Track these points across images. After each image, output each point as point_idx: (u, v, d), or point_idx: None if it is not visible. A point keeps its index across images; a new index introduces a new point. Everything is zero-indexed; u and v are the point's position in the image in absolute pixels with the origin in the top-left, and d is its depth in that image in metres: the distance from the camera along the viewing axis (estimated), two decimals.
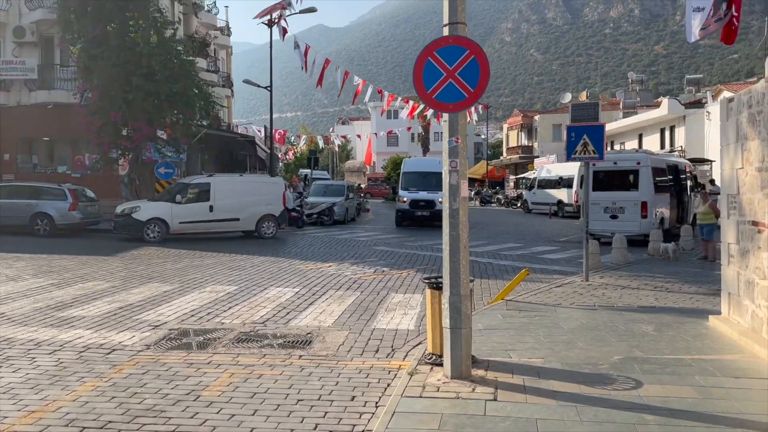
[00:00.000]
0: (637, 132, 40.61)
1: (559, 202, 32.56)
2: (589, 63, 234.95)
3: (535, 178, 37.01)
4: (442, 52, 5.33)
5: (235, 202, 18.83)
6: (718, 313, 7.72)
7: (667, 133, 36.89)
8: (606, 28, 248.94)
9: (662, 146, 37.02)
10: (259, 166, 42.68)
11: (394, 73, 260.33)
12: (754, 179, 6.52)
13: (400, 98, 35.86)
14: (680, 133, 35.47)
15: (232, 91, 44.11)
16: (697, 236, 16.95)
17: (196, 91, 21.01)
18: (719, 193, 23.05)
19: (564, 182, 32.47)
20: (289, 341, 7.23)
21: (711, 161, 29.45)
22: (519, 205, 40.27)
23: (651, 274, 12.21)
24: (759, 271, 6.39)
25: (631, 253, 14.55)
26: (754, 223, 6.52)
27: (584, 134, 10.77)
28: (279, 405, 5.17)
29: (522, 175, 49.46)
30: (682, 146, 34.09)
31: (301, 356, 6.61)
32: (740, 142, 6.91)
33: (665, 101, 36.33)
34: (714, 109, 33.02)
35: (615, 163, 18.22)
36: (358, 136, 62.90)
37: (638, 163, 17.91)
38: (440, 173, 20.20)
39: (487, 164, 59.69)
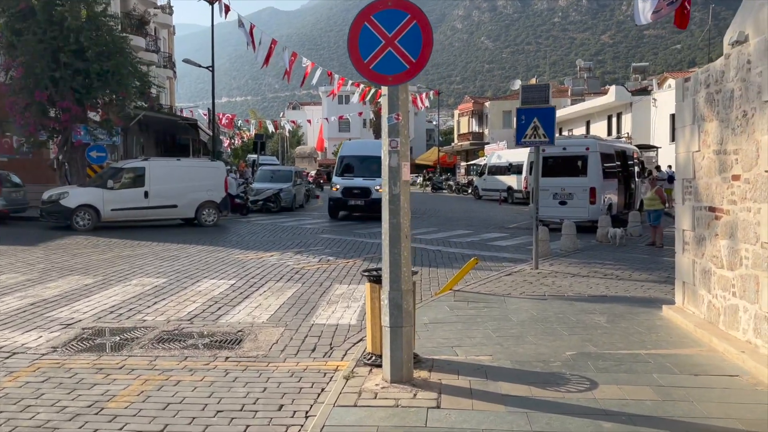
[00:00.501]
0: (585, 119, 41.06)
1: (509, 189, 32.55)
2: (538, 51, 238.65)
3: (485, 165, 36.95)
4: (380, 16, 4.72)
5: (172, 188, 17.81)
6: (672, 302, 7.44)
7: (614, 120, 37.39)
8: (555, 17, 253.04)
9: (609, 132, 37.50)
10: (204, 151, 41.23)
11: (347, 58, 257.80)
12: (712, 163, 6.19)
13: (350, 82, 35.12)
14: (627, 120, 35.97)
15: (174, 72, 42.38)
16: (645, 222, 16.98)
17: (131, 70, 19.74)
18: (665, 180, 23.26)
19: (514, 169, 32.46)
20: (216, 341, 6.55)
21: (657, 147, 29.92)
22: (470, 191, 40.22)
23: (600, 260, 12.00)
24: (716, 259, 6.08)
25: (580, 240, 14.36)
26: (711, 209, 6.20)
27: (535, 117, 10.37)
28: (194, 418, 4.52)
29: (473, 162, 49.51)
30: (628, 133, 34.57)
31: (227, 358, 5.95)
32: (697, 124, 6.57)
33: (612, 88, 36.78)
34: (660, 95, 33.58)
35: (564, 148, 18.05)
36: (308, 121, 61.64)
37: (587, 149, 17.78)
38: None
39: (439, 150, 59.60)
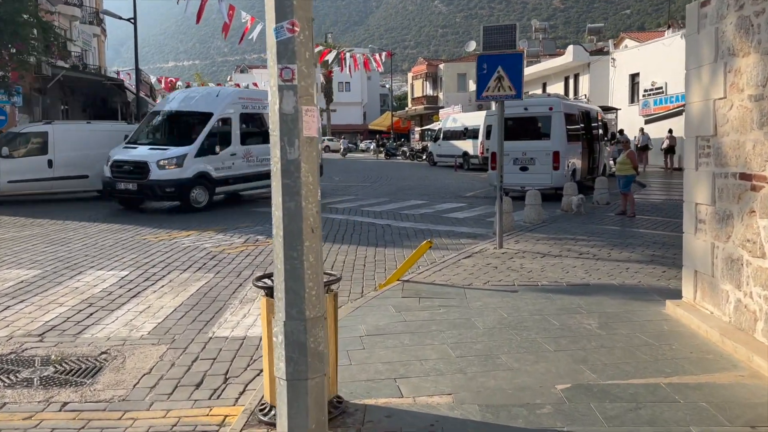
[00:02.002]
0: (541, 81, 39.63)
1: (465, 154, 30.95)
2: (491, 16, 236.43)
3: (440, 129, 35.20)
4: None
5: (81, 156, 15.40)
6: (677, 295, 5.86)
7: (571, 81, 36.07)
8: None
9: (566, 94, 36.17)
10: (137, 116, 38.05)
11: None
12: (747, 113, 4.52)
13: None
14: (584, 81, 34.68)
15: (103, 30, 38.73)
16: (612, 189, 15.62)
17: (28, 18, 16.97)
18: (628, 142, 21.87)
19: (470, 133, 30.81)
20: (63, 372, 4.61)
21: (616, 109, 28.71)
22: (424, 157, 38.49)
23: (571, 235, 10.43)
24: (751, 245, 4.47)
25: (543, 209, 12.79)
26: (745, 177, 4.55)
27: (499, 65, 8.56)
28: None
29: (427, 127, 47.71)
30: (585, 94, 33.30)
31: (65, 405, 4.04)
32: (722, 61, 4.87)
33: (570, 48, 35.34)
34: (619, 55, 32.31)
35: (525, 108, 16.37)
36: (255, 84, 58.28)
37: (550, 109, 16.16)
38: (211, 115, 14.43)
39: (392, 115, 57.53)
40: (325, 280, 3.53)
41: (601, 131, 19.93)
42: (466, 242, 10.11)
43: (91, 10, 34.09)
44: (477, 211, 14.28)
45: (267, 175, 14.97)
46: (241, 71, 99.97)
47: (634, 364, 4.34)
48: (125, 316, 5.99)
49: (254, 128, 16.00)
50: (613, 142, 22.46)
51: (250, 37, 29.68)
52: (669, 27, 31.82)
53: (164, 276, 7.70)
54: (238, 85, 55.93)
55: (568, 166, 16.13)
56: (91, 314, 6.06)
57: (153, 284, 7.30)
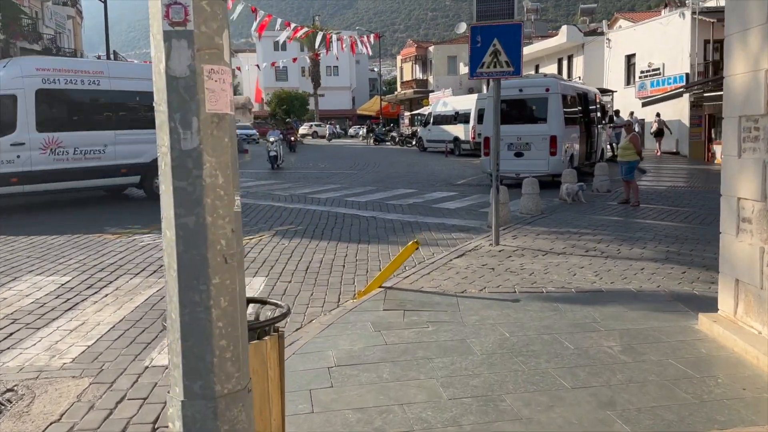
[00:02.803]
0: (534, 63, 38.51)
1: (456, 140, 29.91)
2: None
3: (429, 114, 34.10)
4: None
5: None
6: (709, 306, 4.92)
7: (564, 63, 35.01)
8: None
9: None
10: None
11: (286, 5, 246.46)
12: None
13: (279, 20, 31.29)
14: (578, 63, 33.63)
15: (78, 11, 37.22)
16: (615, 176, 14.70)
17: None
18: (623, 127, 20.94)
19: (461, 117, 29.75)
20: None
21: (612, 91, 27.72)
22: (414, 143, 37.42)
23: (574, 228, 9.49)
24: None
25: (540, 198, 11.83)
26: None
27: (495, 37, 7.53)
28: None
29: (417, 111, 46.59)
30: (580, 77, 32.28)
31: None
32: None
33: (564, 28, 34.21)
34: (615, 36, 31.29)
35: (520, 90, 15.37)
36: (238, 69, 56.72)
37: (547, 90, 15.16)
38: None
39: (381, 100, 56.31)
40: (267, 316, 2.54)
41: (599, 114, 18.97)
42: (459, 237, 9.15)
43: None
44: (469, 201, 13.31)
45: (98, 172, 12.38)
46: None
47: (675, 409, 3.39)
48: (51, 337, 4.98)
49: (73, 110, 12.45)
50: (611, 125, 21.53)
51: (232, 18, 28.53)
52: (666, 6, 30.80)
53: (111, 282, 6.68)
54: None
55: (565, 152, 15.18)
56: (11, 334, 5.05)
57: (96, 293, 6.29)
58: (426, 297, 5.69)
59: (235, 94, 26.21)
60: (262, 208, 12.30)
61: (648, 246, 8.08)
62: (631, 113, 25.67)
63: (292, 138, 32.55)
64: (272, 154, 21.74)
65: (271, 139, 22.56)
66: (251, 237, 9.20)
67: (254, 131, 42.61)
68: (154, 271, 7.14)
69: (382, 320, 5.02)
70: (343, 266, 7.44)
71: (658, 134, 25.22)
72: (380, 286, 6.00)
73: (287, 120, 41.38)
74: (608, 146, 20.69)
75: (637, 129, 25.56)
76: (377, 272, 7.07)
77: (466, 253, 7.64)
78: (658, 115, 25.02)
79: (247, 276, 6.90)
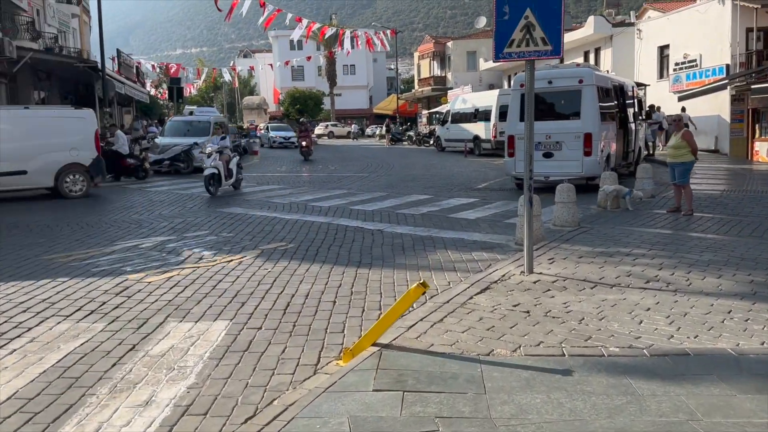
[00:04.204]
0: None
1: (476, 138, 28.14)
2: None
3: (448, 111, 32.34)
4: None
5: (17, 147, 12.86)
6: None
7: (591, 56, 32.94)
8: None
9: None
10: (123, 103, 35.47)
11: (305, 5, 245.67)
12: None
13: (289, 15, 29.85)
14: (606, 56, 31.59)
15: (85, 10, 36.09)
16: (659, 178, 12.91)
17: None
18: (660, 123, 18.96)
19: (481, 115, 27.96)
20: None
21: (645, 85, 25.70)
22: (431, 142, 35.70)
23: (623, 245, 7.73)
24: None
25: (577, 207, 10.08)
26: None
27: (528, 7, 5.83)
28: None
29: (435, 110, 44.82)
30: (608, 70, 30.26)
31: None
32: None
33: (591, 19, 32.17)
34: (646, 26, 29.23)
35: (549, 82, 13.58)
36: (251, 68, 55.47)
37: (580, 81, 13.35)
38: None
39: (398, 98, 54.62)
40: None
41: (636, 109, 17.09)
42: (481, 258, 7.46)
43: None
44: (492, 209, 11.59)
45: None
46: (244, 56, 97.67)
47: None
48: None
49: None
50: (648, 121, 19.61)
51: (239, 11, 27.18)
52: None
53: (31, 328, 5.13)
54: (233, 68, 53.25)
55: (601, 151, 13.36)
56: None
57: (3, 346, 4.74)
58: (437, 363, 4.02)
59: (251, 94, 24.53)
60: (253, 219, 10.71)
61: (724, 273, 6.31)
62: (657, 107, 23.62)
63: (304, 143, 25.95)
64: (209, 172, 13.71)
65: (209, 149, 14.19)
66: (230, 259, 7.61)
67: (292, 133, 36.13)
68: (92, 311, 5.57)
69: (367, 413, 3.35)
70: (334, 302, 5.81)
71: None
72: (374, 343, 4.35)
73: (301, 120, 35.92)
74: (647, 144, 18.79)
75: (665, 126, 23.69)
76: (376, 312, 5.45)
77: (491, 285, 5.94)
78: (683, 109, 23.03)
79: (207, 320, 5.31)
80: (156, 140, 20.25)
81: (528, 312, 5.09)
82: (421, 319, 4.91)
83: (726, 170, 18.60)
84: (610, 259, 7.00)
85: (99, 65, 24.17)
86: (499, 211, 11.29)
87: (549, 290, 5.76)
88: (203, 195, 14.21)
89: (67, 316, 5.47)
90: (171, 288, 6.33)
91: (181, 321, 5.31)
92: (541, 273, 6.34)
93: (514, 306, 5.25)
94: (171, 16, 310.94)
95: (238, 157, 14.75)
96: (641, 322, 4.85)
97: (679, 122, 10.80)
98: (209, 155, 13.93)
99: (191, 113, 38.72)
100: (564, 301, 5.41)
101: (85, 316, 5.47)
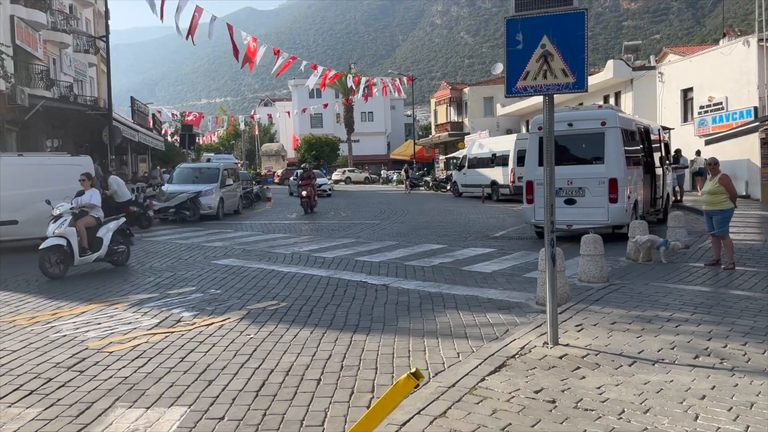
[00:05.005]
0: (577, 101, 35.92)
1: (493, 184, 27.31)
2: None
3: (464, 156, 31.66)
4: None
5: (8, 196, 12.27)
6: None
7: (612, 100, 32.21)
8: None
9: None
10: (138, 151, 35.43)
11: (326, 56, 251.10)
12: None
13: (304, 62, 29.62)
14: (627, 100, 30.82)
15: (103, 59, 36.37)
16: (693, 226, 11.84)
17: None
18: (687, 167, 17.89)
19: (498, 160, 27.21)
20: None
21: (669, 129, 24.77)
22: (448, 188, 34.93)
23: (662, 308, 6.68)
24: None
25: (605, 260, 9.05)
26: None
27: (545, 34, 5.02)
28: None
29: (452, 155, 44.27)
30: (630, 114, 29.46)
31: None
32: None
33: (610, 63, 31.54)
34: (668, 69, 28.49)
35: (570, 124, 12.75)
36: (269, 116, 55.77)
37: (603, 124, 12.49)
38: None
39: (415, 143, 54.31)
40: None
41: (663, 153, 16.13)
42: (497, 321, 6.48)
43: (87, 40, 31.53)
44: (510, 261, 10.60)
45: None
46: (265, 104, 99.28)
47: None
48: None
49: None
50: (675, 166, 18.60)
51: (273, 72, 27.08)
52: (724, 35, 27.91)
53: None
54: (252, 117, 53.31)
55: (628, 198, 12.38)
56: None
57: None
58: None
59: (271, 141, 23.49)
60: (248, 272, 9.85)
61: None
62: (678, 150, 22.51)
63: (304, 193, 21.51)
64: (50, 243, 9.56)
65: (57, 210, 10.14)
66: (210, 322, 6.71)
67: (324, 180, 33.65)
68: (31, 392, 4.69)
69: None
70: (319, 381, 4.86)
71: (698, 173, 22.16)
72: None
73: (303, 165, 30.70)
74: (675, 189, 17.75)
75: (685, 172, 22.68)
76: (367, 395, 4.52)
77: (507, 361, 4.94)
78: (698, 153, 21.99)
79: (161, 406, 4.38)
80: (162, 187, 19.69)
81: (553, 401, 4.08)
82: (419, 412, 3.93)
83: (761, 217, 17.40)
84: (648, 325, 5.96)
85: (105, 112, 24.01)
86: (518, 263, 10.30)
87: (578, 368, 4.75)
88: (203, 245, 13.43)
89: (0, 399, 4.59)
90: (132, 360, 5.43)
91: (130, 407, 4.39)
92: (567, 344, 5.33)
93: (536, 392, 4.24)
94: (196, 67, 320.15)
95: (119, 222, 10.76)
96: (697, 417, 3.81)
97: (716, 166, 9.81)
98: (56, 218, 9.92)
99: (209, 160, 38.58)
100: (598, 384, 4.40)
101: (20, 399, 4.59)
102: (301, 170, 27.10)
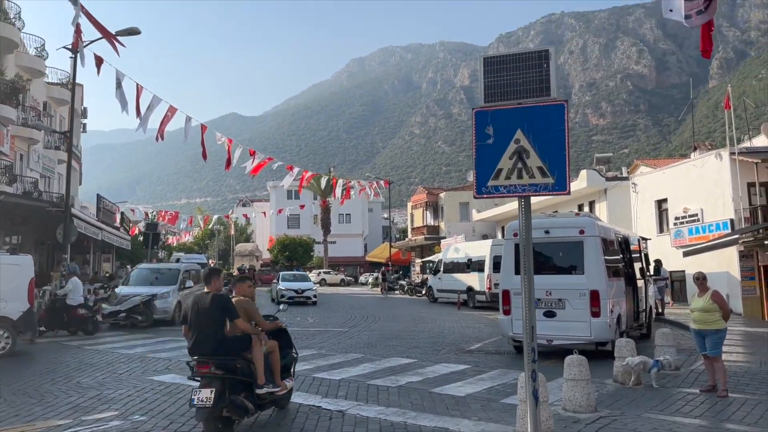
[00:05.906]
0: (552, 209, 35.98)
1: (470, 290, 26.42)
2: None
3: (440, 261, 30.94)
4: None
5: None
6: None
7: (586, 208, 32.25)
8: None
9: None
10: (102, 249, 34.16)
11: (308, 160, 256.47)
12: None
13: (277, 163, 29.33)
14: (601, 209, 30.82)
15: (76, 156, 35.87)
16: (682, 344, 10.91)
17: None
18: (667, 279, 17.18)
19: (474, 265, 26.51)
20: None
21: (646, 239, 24.45)
22: (424, 292, 33.90)
23: None
24: None
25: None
26: None
27: (519, 128, 4.32)
28: None
29: (427, 258, 43.61)
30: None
31: None
32: None
33: (584, 173, 31.88)
34: (641, 179, 28.75)
35: (547, 231, 12.11)
36: (245, 216, 55.41)
37: (581, 232, 11.86)
38: None
39: (390, 246, 53.76)
40: None
41: (643, 264, 15.51)
42: None
43: (56, 137, 30.93)
44: (486, 381, 9.47)
45: None
46: (243, 204, 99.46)
47: None
48: None
49: None
50: (656, 277, 17.97)
51: (246, 172, 26.75)
52: (695, 149, 28.49)
53: None
54: (228, 217, 52.83)
55: (611, 312, 11.50)
56: None
57: None
58: None
59: (247, 241, 22.03)
60: (185, 392, 8.53)
61: None
62: (657, 261, 21.91)
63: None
64: None
65: None
66: None
67: (309, 284, 30.03)
68: None
69: None
70: None
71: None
72: None
73: (240, 267, 26.09)
74: (656, 302, 17.00)
75: (666, 283, 22.26)
76: None
77: None
78: (658, 261, 21.54)
79: None
80: (116, 290, 18.41)
81: None
82: None
83: (747, 334, 16.59)
84: None
85: (72, 211, 23.03)
86: (494, 385, 9.17)
87: None
88: (146, 356, 12.09)
89: None
90: None
91: None
92: None
93: None
94: (179, 168, 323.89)
95: None
96: None
97: (704, 281, 9.05)
98: None
99: (178, 260, 37.20)
100: None
101: None
102: (238, 271, 24.89)
